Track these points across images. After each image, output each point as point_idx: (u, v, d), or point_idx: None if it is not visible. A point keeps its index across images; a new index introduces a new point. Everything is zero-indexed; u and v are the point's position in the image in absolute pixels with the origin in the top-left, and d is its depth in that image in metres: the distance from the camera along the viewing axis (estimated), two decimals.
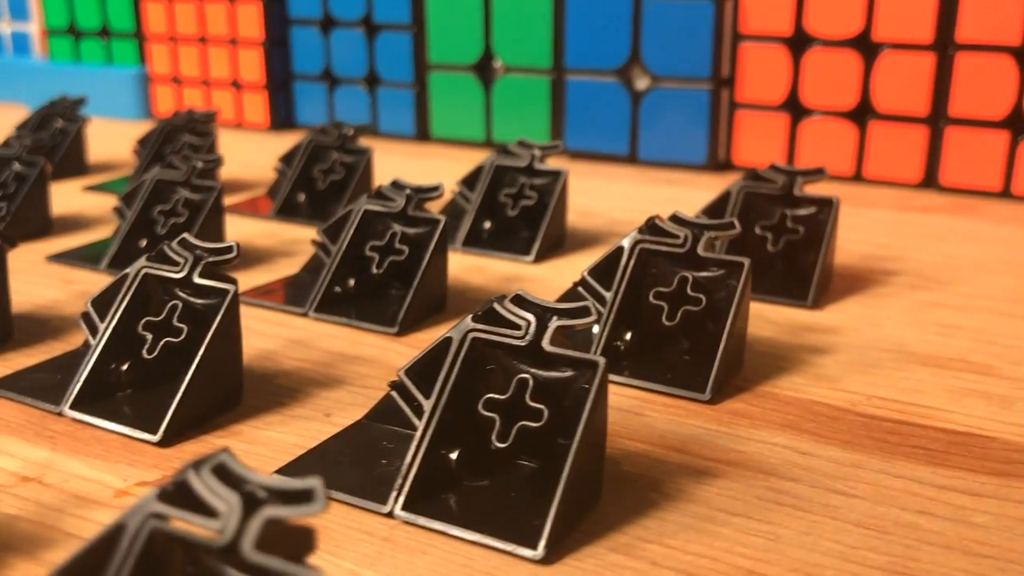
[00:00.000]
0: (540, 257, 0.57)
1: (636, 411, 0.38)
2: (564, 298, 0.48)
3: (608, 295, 0.43)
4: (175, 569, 0.22)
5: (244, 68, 0.99)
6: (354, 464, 0.34)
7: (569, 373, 0.32)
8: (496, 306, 0.33)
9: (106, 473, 0.34)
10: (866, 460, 0.35)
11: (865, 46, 0.73)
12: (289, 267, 0.56)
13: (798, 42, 0.75)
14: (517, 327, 0.32)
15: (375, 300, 0.49)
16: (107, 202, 0.72)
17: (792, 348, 0.45)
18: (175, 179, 0.56)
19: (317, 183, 0.66)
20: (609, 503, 0.32)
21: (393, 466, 0.33)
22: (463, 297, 0.51)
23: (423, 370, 0.34)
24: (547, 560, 0.29)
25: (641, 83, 0.81)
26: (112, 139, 0.94)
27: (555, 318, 0.32)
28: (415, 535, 0.30)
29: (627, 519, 0.31)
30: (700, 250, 0.42)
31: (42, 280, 0.54)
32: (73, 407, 0.38)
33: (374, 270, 0.49)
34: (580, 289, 0.44)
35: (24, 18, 1.20)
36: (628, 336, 0.42)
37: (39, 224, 0.63)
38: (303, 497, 0.21)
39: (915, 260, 0.57)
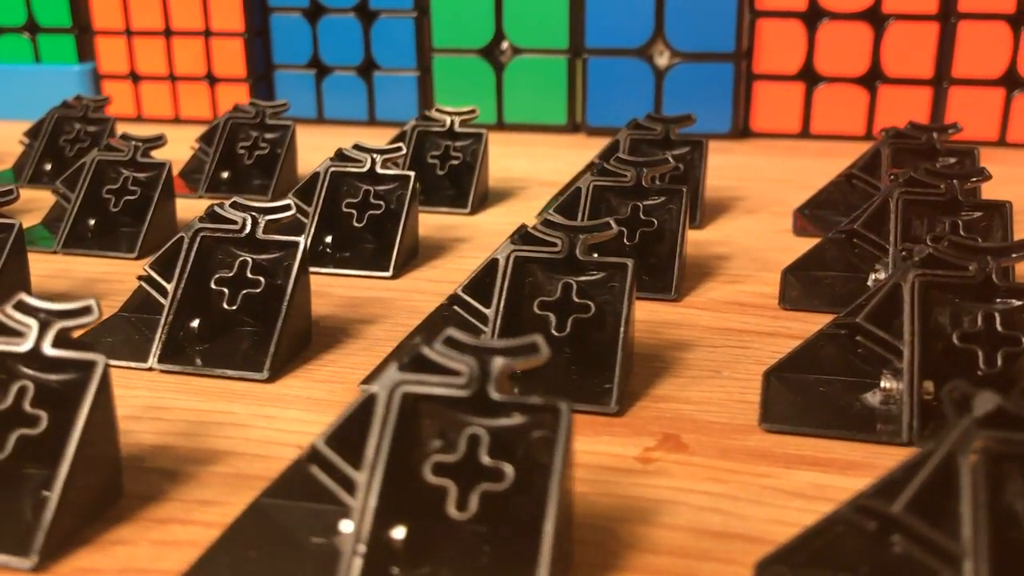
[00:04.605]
0: (701, 224, 0.61)
1: None
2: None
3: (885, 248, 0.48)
4: None
5: (219, 61, 0.95)
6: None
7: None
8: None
9: (604, 445, 0.35)
10: None
11: (874, 18, 0.82)
12: (475, 251, 0.57)
13: (812, 16, 0.83)
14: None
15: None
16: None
17: None
18: (357, 170, 0.56)
19: (435, 169, 0.66)
20: None
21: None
22: None
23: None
24: None
25: (662, 60, 0.86)
26: None
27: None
28: None
29: None
30: (959, 195, 0.48)
31: None
32: None
33: (625, 241, 0.51)
34: (847, 238, 0.49)
35: None
36: None
37: (168, 233, 0.59)
38: None
39: None
